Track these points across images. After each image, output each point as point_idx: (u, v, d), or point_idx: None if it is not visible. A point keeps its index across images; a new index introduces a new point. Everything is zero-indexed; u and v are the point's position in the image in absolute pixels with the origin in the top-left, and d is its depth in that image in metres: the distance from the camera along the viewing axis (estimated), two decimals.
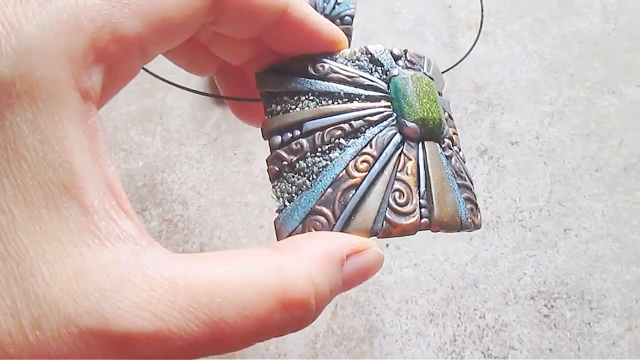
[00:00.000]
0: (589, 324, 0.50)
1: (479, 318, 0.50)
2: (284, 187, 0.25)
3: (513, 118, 0.56)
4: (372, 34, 0.59)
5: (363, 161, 0.25)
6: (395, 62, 0.28)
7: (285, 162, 0.25)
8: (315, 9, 0.51)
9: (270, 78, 0.27)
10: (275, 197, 0.26)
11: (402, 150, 0.26)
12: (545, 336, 0.50)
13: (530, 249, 0.52)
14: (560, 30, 0.59)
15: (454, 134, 0.29)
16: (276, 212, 0.25)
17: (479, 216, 0.27)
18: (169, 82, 0.32)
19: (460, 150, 0.29)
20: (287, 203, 0.25)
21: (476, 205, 0.27)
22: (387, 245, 0.51)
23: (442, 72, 0.32)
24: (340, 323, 0.50)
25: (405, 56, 0.28)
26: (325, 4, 0.51)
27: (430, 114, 0.26)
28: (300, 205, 0.25)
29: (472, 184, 0.28)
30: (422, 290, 0.51)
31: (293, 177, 0.25)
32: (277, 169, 0.25)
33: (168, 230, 0.51)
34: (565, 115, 0.56)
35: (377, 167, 0.25)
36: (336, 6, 0.51)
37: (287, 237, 0.24)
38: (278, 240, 0.24)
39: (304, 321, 0.21)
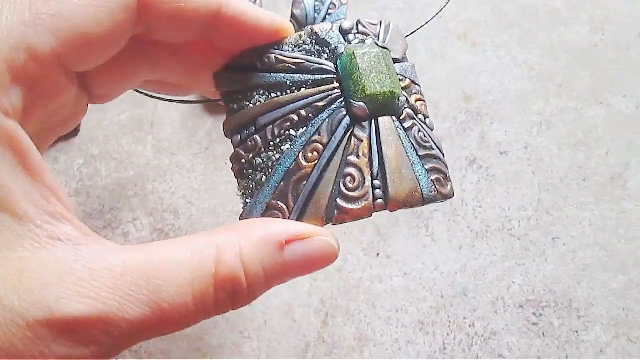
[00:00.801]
0: (577, 332, 0.51)
1: (468, 326, 0.51)
2: (245, 184, 0.26)
3: (502, 128, 0.56)
4: None
5: (312, 150, 0.25)
6: (345, 37, 0.27)
7: (243, 160, 0.26)
8: (306, 20, 0.52)
9: (225, 77, 0.27)
10: (239, 194, 0.26)
11: (352, 132, 0.25)
12: (534, 344, 0.50)
13: (519, 258, 0.52)
14: (548, 41, 0.60)
15: (419, 100, 0.28)
16: (242, 208, 0.26)
17: (448, 185, 0.27)
18: (156, 97, 0.32)
19: (426, 117, 0.28)
20: (248, 200, 0.25)
21: (445, 174, 0.27)
22: (377, 254, 0.52)
23: (406, 36, 0.31)
24: (330, 332, 0.50)
25: (357, 28, 0.28)
26: (316, 15, 0.51)
27: (379, 89, 0.25)
28: (258, 201, 0.25)
29: (440, 152, 0.27)
30: (412, 299, 0.51)
31: (252, 174, 0.26)
32: (239, 168, 0.26)
33: (159, 240, 0.51)
34: (553, 125, 0.57)
35: (326, 154, 0.25)
36: (327, 17, 0.51)
37: None
38: None
39: (238, 299, 0.22)
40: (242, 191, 0.26)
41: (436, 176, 0.26)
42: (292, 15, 0.53)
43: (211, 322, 0.49)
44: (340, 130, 0.25)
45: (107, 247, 0.21)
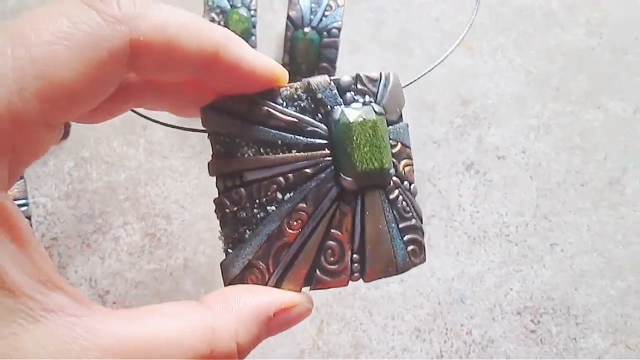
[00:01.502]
0: (575, 339, 0.50)
1: (465, 334, 0.50)
2: (227, 232, 0.26)
3: (499, 132, 0.56)
4: (357, 45, 0.59)
5: (297, 218, 0.25)
6: (342, 96, 0.26)
7: (227, 210, 0.25)
8: (302, 22, 0.51)
9: (212, 116, 0.26)
10: (221, 239, 0.26)
11: (337, 205, 0.25)
12: (532, 352, 0.50)
13: (517, 264, 0.52)
14: (545, 43, 0.60)
15: (407, 165, 0.28)
16: (223, 252, 0.26)
17: (422, 255, 0.28)
18: (149, 119, 0.31)
19: (411, 183, 0.28)
20: (229, 250, 0.26)
21: (420, 243, 0.27)
22: None
23: (405, 86, 0.30)
24: (325, 339, 0.49)
25: (356, 84, 0.26)
26: (312, 17, 0.50)
27: (371, 165, 0.25)
28: (240, 255, 0.25)
29: (418, 219, 0.28)
30: (409, 306, 0.50)
31: (235, 224, 0.25)
32: (222, 215, 0.26)
33: (151, 245, 0.50)
34: (550, 129, 0.56)
35: (310, 223, 0.25)
36: (323, 19, 0.50)
37: (229, 284, 0.25)
38: (225, 283, 0.26)
39: None
40: (224, 238, 0.26)
41: (412, 247, 0.27)
42: (288, 17, 0.52)
43: None
44: (327, 202, 0.25)
45: (99, 316, 0.21)
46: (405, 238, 0.27)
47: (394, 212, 0.27)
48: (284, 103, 0.26)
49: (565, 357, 0.49)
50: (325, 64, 0.51)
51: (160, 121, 0.31)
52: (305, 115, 0.26)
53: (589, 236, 0.53)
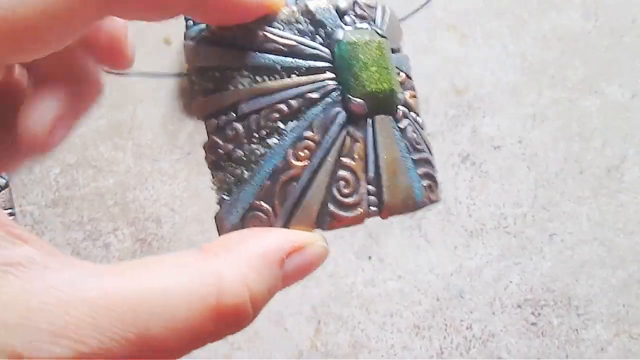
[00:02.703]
0: (577, 330, 0.49)
1: (465, 329, 0.49)
2: (222, 177, 0.23)
3: (494, 122, 0.55)
4: None
5: (304, 148, 0.22)
6: (341, 18, 0.24)
7: (221, 150, 0.23)
8: None
9: (200, 51, 0.24)
10: (214, 188, 0.24)
11: (347, 130, 0.23)
12: (533, 345, 0.49)
13: (516, 257, 0.51)
14: (540, 29, 0.58)
15: (412, 96, 0.26)
16: (216, 204, 0.23)
17: (437, 191, 0.25)
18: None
19: (418, 115, 0.26)
20: (225, 196, 0.22)
21: (435, 179, 0.25)
22: (369, 257, 0.50)
23: (401, 20, 0.29)
24: (324, 340, 0.48)
25: (354, 9, 0.25)
26: None
27: (379, 85, 0.23)
28: (239, 199, 0.22)
29: (430, 154, 0.25)
30: (407, 303, 0.50)
31: (231, 166, 0.23)
32: (214, 158, 0.23)
33: (142, 250, 0.49)
34: (547, 117, 0.55)
35: (319, 153, 0.23)
36: None
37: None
38: (220, 235, 0.22)
39: (241, 326, 0.20)
40: (218, 185, 0.23)
41: (428, 182, 0.24)
42: None
43: None
44: (335, 128, 0.23)
45: (81, 269, 0.18)
46: (420, 171, 0.24)
47: (406, 142, 0.24)
48: (281, 26, 0.23)
49: (567, 349, 0.49)
50: None
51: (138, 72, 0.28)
52: (305, 37, 0.23)
53: (589, 225, 0.52)
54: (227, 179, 0.23)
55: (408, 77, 0.25)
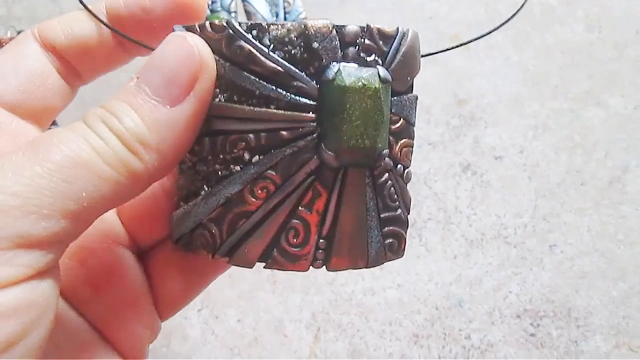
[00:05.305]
0: (576, 342, 0.49)
1: (464, 338, 0.49)
2: (182, 182, 0.22)
3: (496, 132, 0.55)
4: None
5: (263, 186, 0.21)
6: (344, 49, 0.21)
7: (186, 158, 0.22)
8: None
9: None
10: (177, 187, 0.23)
11: (312, 180, 0.21)
12: (532, 356, 0.49)
13: (516, 267, 0.51)
14: (543, 41, 0.58)
15: (406, 146, 0.23)
16: (175, 200, 0.23)
17: (402, 249, 0.23)
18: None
19: (406, 168, 0.23)
20: (182, 203, 0.22)
21: (401, 237, 0.23)
22: None
23: (423, 56, 0.24)
24: (323, 347, 0.49)
25: (363, 39, 0.21)
26: (275, 19, 0.50)
27: (360, 142, 0.21)
28: (192, 213, 0.22)
29: (405, 210, 0.24)
30: (406, 312, 0.50)
31: (193, 176, 0.22)
32: (180, 162, 0.22)
33: None
34: (549, 128, 0.55)
35: (277, 196, 0.21)
36: (287, 16, 0.51)
37: (176, 241, 0.22)
38: (172, 239, 0.23)
39: None
40: (179, 187, 0.23)
41: (391, 241, 0.23)
42: None
43: (201, 341, 0.48)
44: (301, 175, 0.21)
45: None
46: (385, 230, 0.23)
47: (378, 200, 0.22)
48: (271, 45, 0.21)
49: None
50: None
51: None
52: (293, 65, 0.21)
53: (590, 236, 0.52)
54: (188, 186, 0.22)
55: (408, 123, 0.23)
